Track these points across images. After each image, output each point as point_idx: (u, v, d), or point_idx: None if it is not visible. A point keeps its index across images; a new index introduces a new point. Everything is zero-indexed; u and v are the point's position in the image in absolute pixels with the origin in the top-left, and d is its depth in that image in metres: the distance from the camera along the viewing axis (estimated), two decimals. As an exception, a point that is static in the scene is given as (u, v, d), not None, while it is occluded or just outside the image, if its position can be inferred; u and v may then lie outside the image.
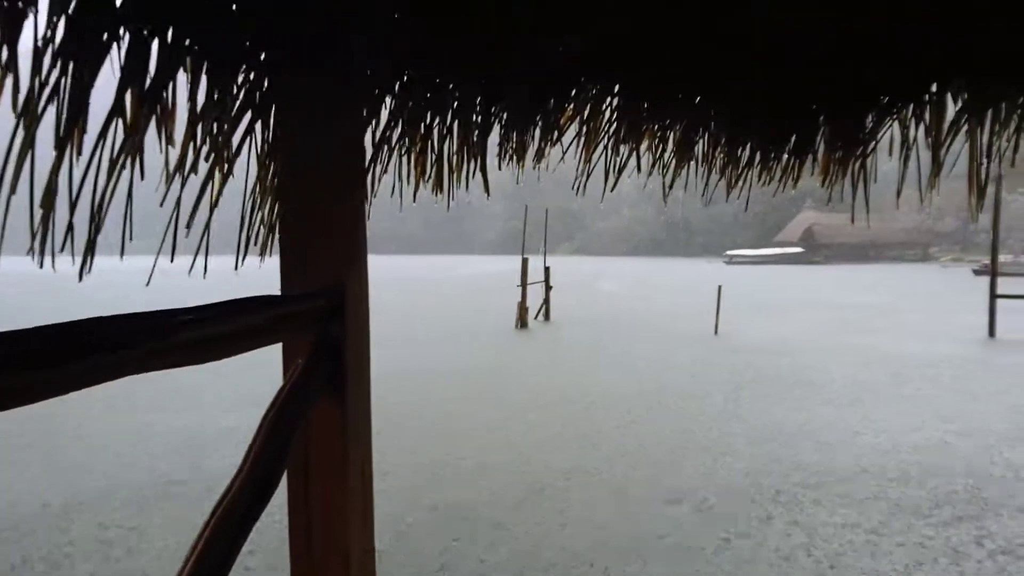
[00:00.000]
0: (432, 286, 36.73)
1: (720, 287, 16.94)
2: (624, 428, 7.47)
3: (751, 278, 39.13)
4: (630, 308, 24.08)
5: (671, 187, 3.42)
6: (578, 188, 3.34)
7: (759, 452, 6.52)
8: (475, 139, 2.83)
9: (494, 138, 2.92)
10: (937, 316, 19.64)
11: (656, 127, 3.28)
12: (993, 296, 16.23)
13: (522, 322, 17.27)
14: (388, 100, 2.50)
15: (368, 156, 2.27)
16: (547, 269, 18.98)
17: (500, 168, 3.05)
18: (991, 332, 15.53)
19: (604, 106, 3.09)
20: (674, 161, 3.40)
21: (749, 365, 11.56)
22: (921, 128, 3.49)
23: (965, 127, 3.55)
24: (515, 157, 3.06)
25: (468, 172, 2.93)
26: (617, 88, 3.04)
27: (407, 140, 2.69)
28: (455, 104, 2.70)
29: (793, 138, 3.41)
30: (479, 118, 2.80)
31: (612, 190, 3.36)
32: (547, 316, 18.70)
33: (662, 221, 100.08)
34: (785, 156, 3.46)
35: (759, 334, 15.73)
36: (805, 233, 74.54)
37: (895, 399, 8.85)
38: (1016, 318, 16.94)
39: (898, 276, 44.41)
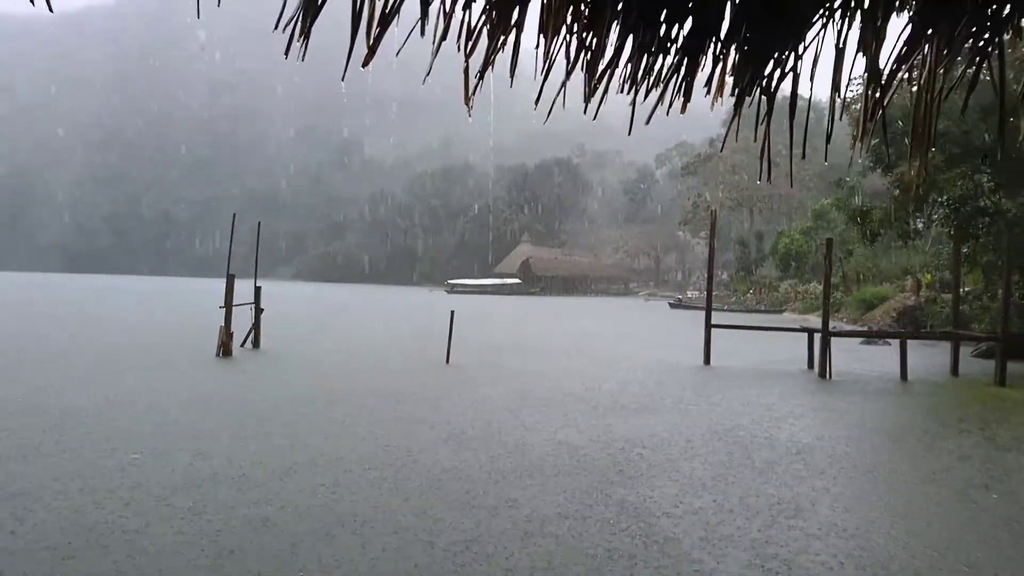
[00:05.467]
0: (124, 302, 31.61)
1: (453, 312, 15.50)
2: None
3: (477, 307, 38.88)
4: (352, 335, 22.16)
5: (482, 78, 1.70)
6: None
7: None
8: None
9: None
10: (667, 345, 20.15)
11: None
12: (708, 327, 16.61)
13: (225, 350, 14.50)
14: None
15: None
16: (258, 289, 16.33)
17: None
18: (707, 360, 15.84)
19: None
20: (486, 28, 1.70)
21: (495, 395, 10.21)
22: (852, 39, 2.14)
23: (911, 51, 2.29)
24: None
25: None
26: None
27: None
28: None
29: (687, 24, 1.89)
30: None
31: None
32: (256, 343, 16.02)
33: (387, 248, 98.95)
34: (673, 53, 1.94)
35: (498, 365, 14.64)
36: (523, 265, 77.71)
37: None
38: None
39: (615, 307, 47.20)
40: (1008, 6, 2.30)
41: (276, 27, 1.49)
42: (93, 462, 6.33)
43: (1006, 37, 2.29)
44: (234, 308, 15.07)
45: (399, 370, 13.56)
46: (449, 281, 74.01)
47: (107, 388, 10.54)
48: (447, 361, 14.30)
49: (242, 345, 15.56)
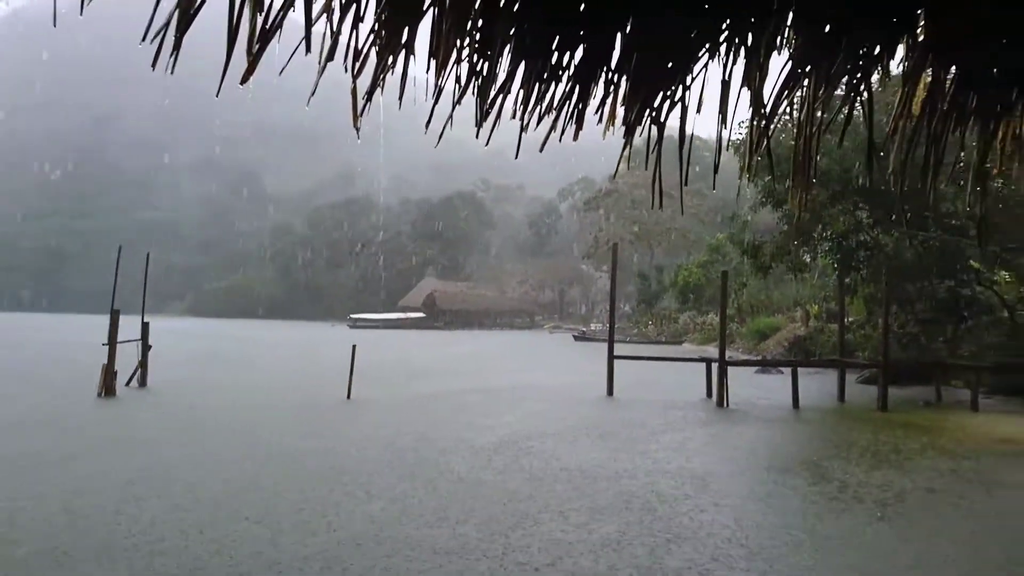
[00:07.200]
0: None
1: (355, 346, 15.10)
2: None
3: (381, 341, 38.27)
4: (247, 372, 21.33)
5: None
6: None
7: None
8: None
9: None
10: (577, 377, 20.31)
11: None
12: (611, 359, 16.81)
13: (107, 389, 13.68)
14: None
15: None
16: (145, 325, 15.50)
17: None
18: (610, 391, 15.99)
19: None
20: (375, 49, 1.63)
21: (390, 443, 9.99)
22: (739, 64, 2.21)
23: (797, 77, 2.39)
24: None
25: None
26: None
27: None
28: None
29: (579, 52, 1.89)
30: None
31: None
32: (142, 382, 15.19)
33: (288, 283, 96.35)
34: (565, 81, 1.93)
35: (401, 400, 14.38)
36: (427, 299, 77.12)
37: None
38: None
39: (520, 341, 47.33)
40: (878, 47, 2.42)
41: (144, 39, 1.39)
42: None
43: (875, 77, 2.42)
44: (120, 345, 14.29)
45: (296, 407, 13.12)
46: (352, 315, 72.56)
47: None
48: (348, 396, 13.96)
49: (127, 384, 14.73)
